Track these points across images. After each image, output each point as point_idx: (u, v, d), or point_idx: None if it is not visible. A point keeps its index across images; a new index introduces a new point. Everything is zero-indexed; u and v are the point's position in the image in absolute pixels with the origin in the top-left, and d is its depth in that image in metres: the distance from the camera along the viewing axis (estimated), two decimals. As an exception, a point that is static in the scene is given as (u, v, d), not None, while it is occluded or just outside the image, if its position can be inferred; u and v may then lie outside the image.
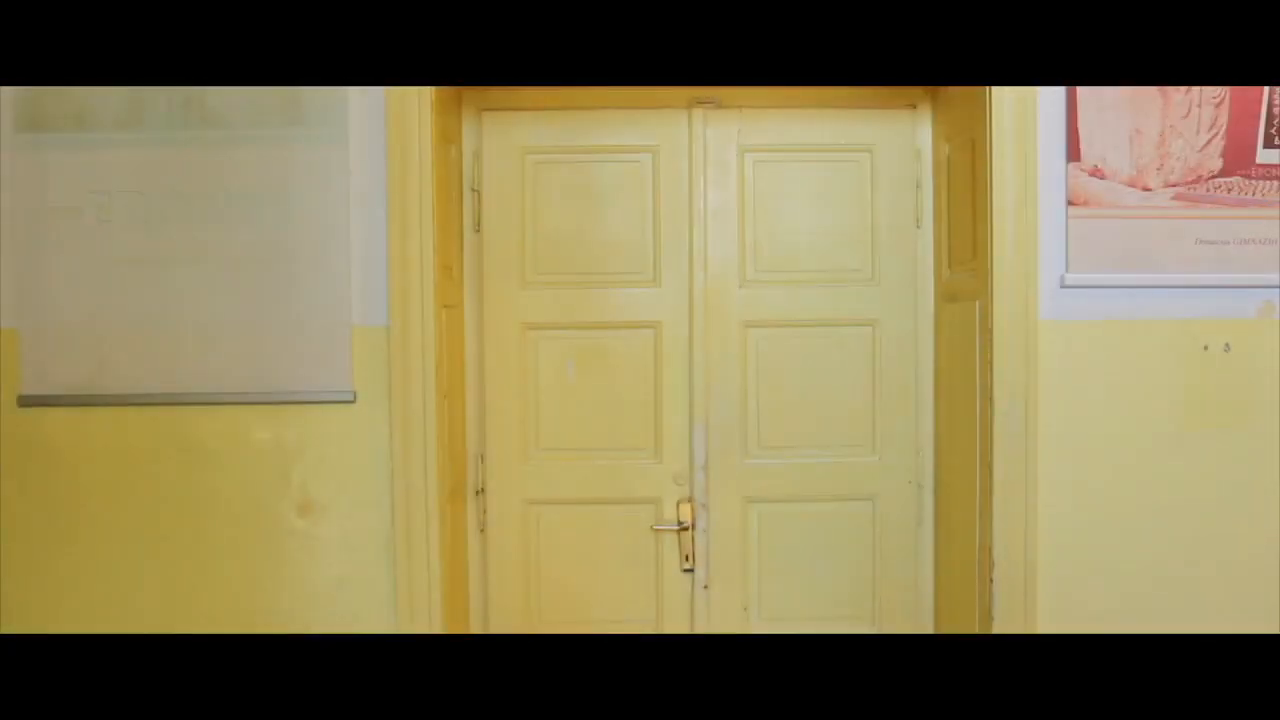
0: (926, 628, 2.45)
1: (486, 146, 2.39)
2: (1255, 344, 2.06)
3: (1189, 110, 2.04)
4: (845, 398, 2.43)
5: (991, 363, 2.04)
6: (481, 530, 2.43)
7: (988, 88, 2.02)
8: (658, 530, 2.42)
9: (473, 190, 2.39)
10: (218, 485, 2.00)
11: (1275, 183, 2.05)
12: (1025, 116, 2.01)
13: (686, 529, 2.40)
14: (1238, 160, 2.05)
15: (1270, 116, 2.04)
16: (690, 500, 2.42)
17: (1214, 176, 2.05)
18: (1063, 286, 2.04)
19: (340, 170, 1.99)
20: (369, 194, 1.99)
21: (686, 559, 2.41)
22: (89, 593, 2.01)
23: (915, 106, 2.41)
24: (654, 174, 2.41)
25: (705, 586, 2.43)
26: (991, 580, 2.06)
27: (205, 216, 1.98)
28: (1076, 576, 2.07)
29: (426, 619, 2.01)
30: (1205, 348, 2.06)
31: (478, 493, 2.42)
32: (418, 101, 1.98)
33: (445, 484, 2.10)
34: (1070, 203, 2.04)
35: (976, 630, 2.12)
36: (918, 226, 2.42)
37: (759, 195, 2.42)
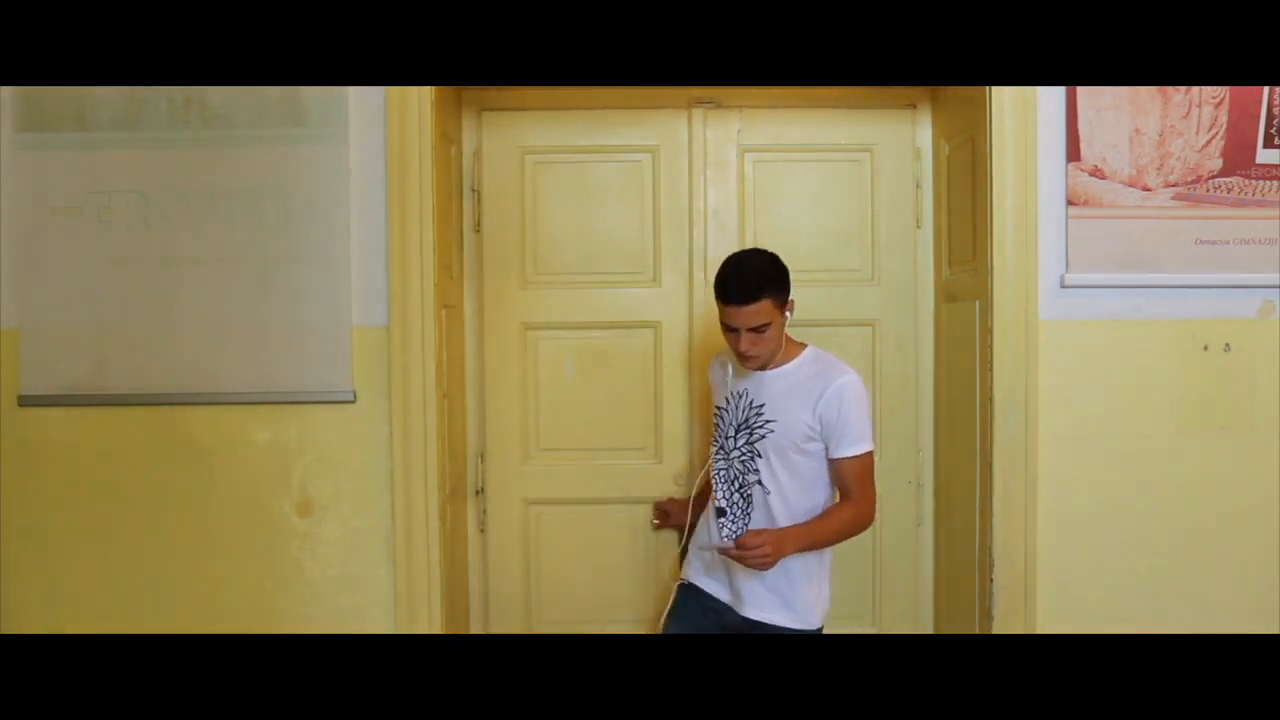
0: (926, 628, 2.45)
1: (486, 146, 2.39)
2: (1255, 344, 2.06)
3: (1189, 110, 2.04)
4: (845, 398, 2.42)
5: (991, 363, 2.04)
6: (481, 530, 2.43)
7: (988, 88, 2.02)
8: (658, 530, 2.42)
9: (473, 190, 2.39)
10: (218, 485, 2.00)
11: (1275, 183, 2.05)
12: (1025, 116, 2.01)
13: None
14: (1238, 160, 2.05)
15: (1270, 116, 2.04)
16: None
17: (1214, 176, 2.05)
18: (1063, 286, 2.04)
19: (340, 170, 1.99)
20: (369, 194, 1.99)
21: (686, 559, 2.40)
22: (89, 592, 2.01)
23: (915, 106, 2.41)
24: (654, 174, 2.41)
25: (705, 586, 2.43)
26: (991, 580, 2.05)
27: (205, 216, 1.98)
28: (1076, 576, 2.07)
29: (426, 619, 2.01)
30: (1205, 348, 2.06)
31: (477, 492, 2.42)
32: (418, 101, 1.97)
33: (445, 484, 2.10)
34: (1070, 203, 2.04)
35: (976, 630, 2.12)
36: (918, 226, 2.42)
37: (759, 195, 2.41)
